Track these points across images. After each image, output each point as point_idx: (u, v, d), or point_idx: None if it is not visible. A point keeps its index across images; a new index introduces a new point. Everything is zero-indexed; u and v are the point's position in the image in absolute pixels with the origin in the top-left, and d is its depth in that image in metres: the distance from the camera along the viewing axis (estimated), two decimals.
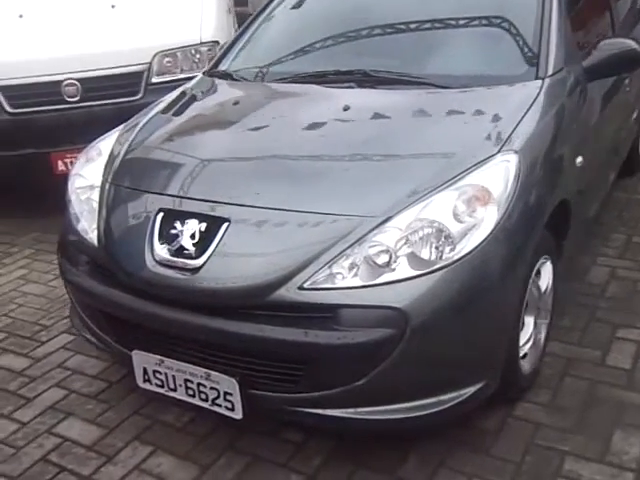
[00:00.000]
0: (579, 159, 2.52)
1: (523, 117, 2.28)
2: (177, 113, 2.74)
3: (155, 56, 4.34)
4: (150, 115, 2.76)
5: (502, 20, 2.73)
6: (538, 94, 2.40)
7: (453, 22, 2.81)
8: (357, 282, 1.92)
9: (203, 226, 2.07)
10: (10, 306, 3.37)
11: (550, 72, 2.51)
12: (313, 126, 2.39)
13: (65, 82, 4.21)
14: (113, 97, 4.26)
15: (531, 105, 2.34)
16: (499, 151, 2.12)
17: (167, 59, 4.41)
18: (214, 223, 2.06)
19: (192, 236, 2.06)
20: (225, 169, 2.30)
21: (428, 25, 2.83)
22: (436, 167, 2.09)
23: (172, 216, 2.14)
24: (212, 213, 2.09)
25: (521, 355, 2.33)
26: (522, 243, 2.10)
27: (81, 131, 3.85)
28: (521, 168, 2.10)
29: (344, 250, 1.94)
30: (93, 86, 4.24)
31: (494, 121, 2.27)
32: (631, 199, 4.09)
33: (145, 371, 2.21)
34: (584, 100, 2.68)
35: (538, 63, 2.52)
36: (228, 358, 2.06)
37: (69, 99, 4.25)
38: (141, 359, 2.21)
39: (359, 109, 2.43)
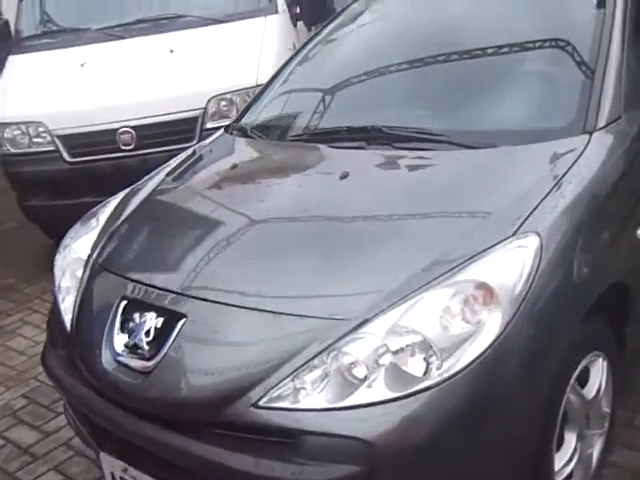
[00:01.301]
0: None
1: (556, 185, 1.82)
2: (177, 178, 2.49)
3: (210, 101, 4.19)
4: (154, 181, 2.54)
5: (545, 54, 2.28)
6: (582, 153, 1.93)
7: (482, 59, 2.37)
8: (321, 402, 1.56)
9: (160, 321, 1.80)
10: (39, 369, 3.27)
11: (602, 123, 2.03)
12: (298, 205, 2.06)
13: (120, 130, 4.16)
14: (167, 144, 4.13)
15: (570, 168, 1.88)
16: (514, 233, 1.69)
17: (223, 103, 4.24)
18: (171, 319, 1.78)
19: (147, 333, 1.80)
20: (195, 252, 1.99)
21: (453, 66, 2.41)
22: (431, 255, 1.69)
23: (134, 306, 1.89)
24: (170, 307, 1.81)
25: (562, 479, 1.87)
26: (548, 345, 1.65)
27: (137, 179, 3.77)
28: (543, 254, 1.66)
29: (309, 360, 1.59)
30: (147, 133, 4.16)
31: (516, 192, 1.83)
32: None
33: (113, 476, 1.97)
34: None
35: (587, 112, 2.05)
36: (188, 475, 1.77)
37: (124, 147, 4.19)
38: (108, 463, 1.96)
39: (356, 178, 2.07)
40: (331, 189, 2.07)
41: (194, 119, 4.18)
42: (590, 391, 1.94)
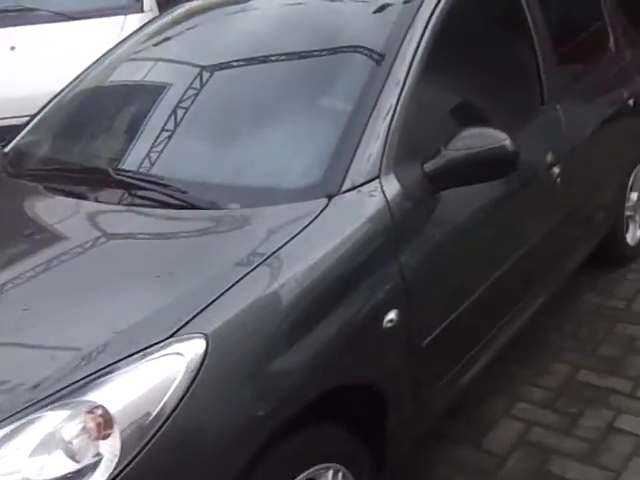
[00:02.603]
0: (391, 316, 1.67)
1: (258, 266, 1.46)
2: None
3: None
4: None
5: (296, 103, 1.93)
6: (310, 223, 1.57)
7: (226, 100, 2.01)
8: None
9: None
10: None
11: (349, 185, 1.68)
12: None
13: None
14: None
15: (286, 243, 1.51)
16: (173, 334, 1.33)
17: None
18: None
19: None
20: None
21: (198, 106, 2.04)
22: (57, 363, 1.31)
23: None
24: None
25: None
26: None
27: None
28: (209, 363, 1.30)
29: None
30: None
31: (201, 275, 1.46)
32: (602, 307, 3.12)
33: None
34: (424, 222, 1.83)
35: (331, 170, 1.70)
36: None
37: None
38: None
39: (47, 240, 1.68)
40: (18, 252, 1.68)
41: None
42: None
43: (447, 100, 2.04)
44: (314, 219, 1.59)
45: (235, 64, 2.13)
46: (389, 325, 1.67)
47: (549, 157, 2.36)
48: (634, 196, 3.39)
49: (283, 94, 1.98)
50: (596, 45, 3.05)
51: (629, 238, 3.42)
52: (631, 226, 3.45)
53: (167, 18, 2.66)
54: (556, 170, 2.38)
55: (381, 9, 2.08)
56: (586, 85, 2.81)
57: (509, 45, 2.42)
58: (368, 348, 1.66)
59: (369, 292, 1.64)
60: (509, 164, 1.82)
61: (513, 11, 2.45)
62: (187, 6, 2.65)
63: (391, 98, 1.82)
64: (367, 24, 2.08)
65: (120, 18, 4.19)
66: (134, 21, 4.24)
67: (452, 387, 2.07)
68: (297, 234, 1.55)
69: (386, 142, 1.77)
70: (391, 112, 1.80)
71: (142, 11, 4.31)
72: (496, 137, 1.79)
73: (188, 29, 2.57)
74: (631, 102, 3.04)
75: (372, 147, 1.74)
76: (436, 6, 2.04)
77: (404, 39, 1.93)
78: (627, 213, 3.36)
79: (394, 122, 1.79)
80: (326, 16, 2.21)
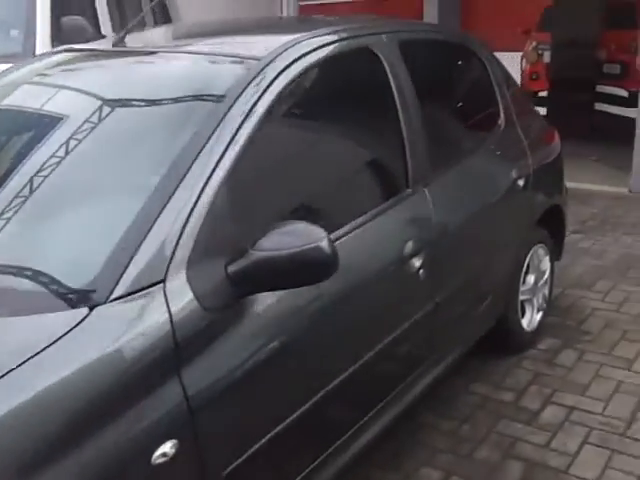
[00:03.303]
0: (164, 449, 1.40)
1: None
2: None
3: None
4: None
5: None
6: (54, 342, 1.30)
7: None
8: None
9: None
10: None
11: (120, 292, 1.41)
12: None
13: None
14: None
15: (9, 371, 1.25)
16: None
17: None
18: None
19: None
20: None
21: None
22: None
23: None
24: None
25: None
26: None
27: None
28: None
29: None
30: None
31: None
32: (488, 399, 2.89)
33: None
34: (223, 334, 1.55)
35: (103, 272, 1.45)
36: None
37: None
38: None
39: None
40: None
41: None
42: None
43: (270, 190, 1.80)
44: (65, 334, 1.33)
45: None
46: (161, 461, 1.40)
47: (409, 246, 2.15)
48: (531, 279, 3.20)
49: (62, 173, 1.73)
50: (483, 124, 2.88)
51: (525, 323, 3.22)
52: (528, 310, 3.25)
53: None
54: (417, 261, 2.16)
55: (200, 88, 1.87)
56: (469, 166, 2.63)
57: (365, 126, 2.21)
58: None
59: (133, 423, 1.36)
60: (325, 268, 1.59)
61: (375, 86, 2.27)
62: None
63: (194, 188, 1.58)
64: (182, 101, 1.85)
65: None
66: None
67: None
68: (37, 354, 1.28)
69: (179, 239, 1.52)
70: (190, 204, 1.56)
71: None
72: (311, 236, 1.56)
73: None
74: (521, 182, 2.87)
75: (160, 244, 1.50)
76: (270, 84, 1.83)
77: (221, 121, 1.70)
78: (523, 297, 3.17)
79: (193, 215, 1.56)
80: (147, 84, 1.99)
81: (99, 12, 4.82)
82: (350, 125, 2.13)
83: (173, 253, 1.50)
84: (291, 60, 1.92)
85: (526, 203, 2.94)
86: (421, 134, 2.31)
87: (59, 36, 4.15)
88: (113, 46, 2.23)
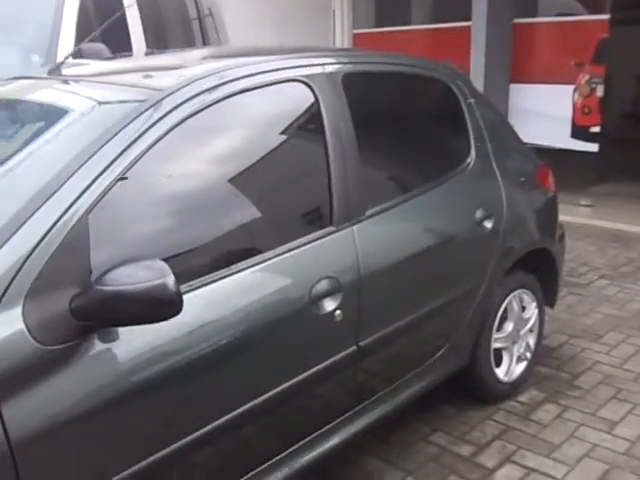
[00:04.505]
0: None
1: None
2: None
3: None
4: None
5: None
6: None
7: None
8: None
9: None
10: None
11: None
12: None
13: None
14: None
15: None
16: None
17: None
18: None
19: None
20: None
21: None
22: None
23: None
24: None
25: None
26: None
27: None
28: None
29: None
30: None
31: None
32: (445, 452, 2.71)
33: None
34: (62, 371, 1.51)
35: None
36: None
37: None
38: None
39: None
40: None
41: None
42: None
43: (141, 225, 1.77)
44: None
45: None
46: None
47: (323, 285, 2.04)
48: (509, 326, 3.00)
49: None
50: (446, 160, 2.72)
51: (501, 373, 3.01)
52: (505, 359, 3.04)
53: None
54: (332, 301, 2.06)
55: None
56: (421, 204, 2.48)
57: (281, 161, 2.14)
58: None
59: None
60: (169, 306, 1.53)
61: (301, 119, 2.20)
62: None
63: (51, 216, 1.57)
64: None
65: None
66: None
67: None
68: None
69: (21, 268, 1.51)
70: (41, 233, 1.55)
71: None
72: (156, 272, 1.51)
73: None
74: (488, 224, 2.69)
75: None
76: (164, 117, 1.80)
77: (98, 151, 1.69)
78: (498, 345, 2.96)
79: (43, 245, 1.54)
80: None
81: (132, 36, 4.93)
82: (261, 161, 2.06)
83: (10, 282, 1.49)
84: (193, 94, 1.89)
85: (495, 246, 2.75)
86: (355, 171, 2.21)
87: None
88: (48, 74, 2.28)
